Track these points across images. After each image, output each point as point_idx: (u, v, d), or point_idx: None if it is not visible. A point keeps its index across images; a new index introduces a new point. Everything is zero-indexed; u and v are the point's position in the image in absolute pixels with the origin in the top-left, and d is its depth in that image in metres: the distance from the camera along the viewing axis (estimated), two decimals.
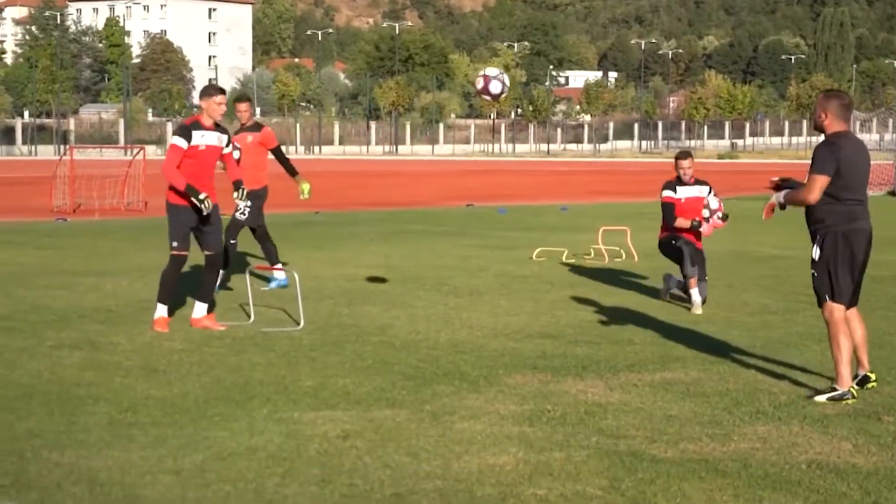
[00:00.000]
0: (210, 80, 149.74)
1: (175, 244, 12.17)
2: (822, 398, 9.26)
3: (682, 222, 14.37)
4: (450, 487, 6.93)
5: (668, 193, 14.53)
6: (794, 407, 9.00)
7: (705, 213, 14.41)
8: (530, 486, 6.95)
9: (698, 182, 14.70)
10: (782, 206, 9.66)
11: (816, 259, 9.47)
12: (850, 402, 9.17)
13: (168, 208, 12.23)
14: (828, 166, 9.25)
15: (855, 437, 8.13)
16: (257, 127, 15.40)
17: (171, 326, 12.21)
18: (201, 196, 11.91)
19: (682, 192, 14.56)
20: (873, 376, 9.70)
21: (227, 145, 12.45)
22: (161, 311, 12.20)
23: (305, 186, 14.82)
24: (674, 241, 14.39)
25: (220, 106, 12.32)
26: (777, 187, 9.92)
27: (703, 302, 13.96)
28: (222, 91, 12.50)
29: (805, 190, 9.44)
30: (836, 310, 9.41)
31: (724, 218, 14.55)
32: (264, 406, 8.89)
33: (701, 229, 14.44)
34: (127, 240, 22.45)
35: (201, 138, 12.18)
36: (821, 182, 9.30)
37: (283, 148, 15.92)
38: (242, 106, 15.28)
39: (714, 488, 6.95)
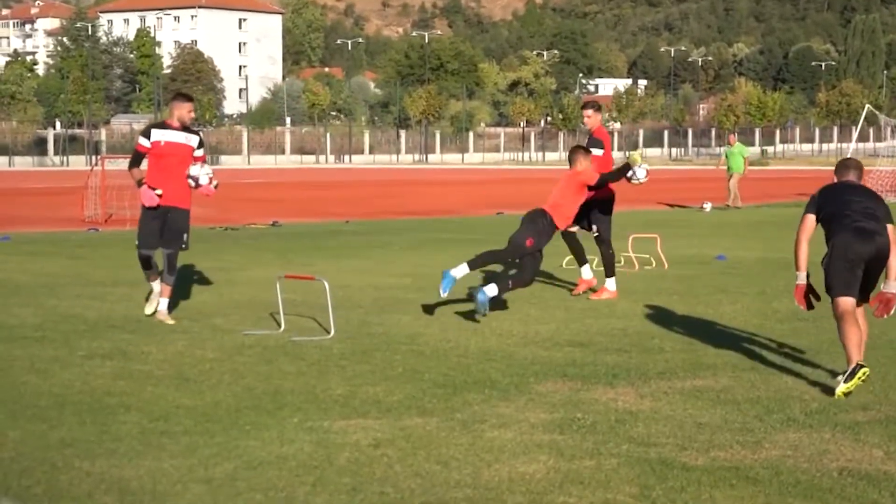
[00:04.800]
0: (241, 89, 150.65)
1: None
2: (840, 387, 9.48)
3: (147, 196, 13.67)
4: (480, 496, 6.92)
5: (140, 140, 13.67)
6: (826, 414, 8.97)
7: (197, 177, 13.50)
8: (560, 495, 6.94)
9: (189, 130, 13.60)
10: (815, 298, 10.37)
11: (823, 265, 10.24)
12: (865, 372, 9.48)
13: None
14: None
15: (887, 445, 8.10)
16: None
17: (202, 336, 12.26)
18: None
19: (161, 136, 13.55)
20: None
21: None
22: None
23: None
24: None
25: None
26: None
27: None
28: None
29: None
30: (839, 303, 9.94)
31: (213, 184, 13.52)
32: (295, 415, 8.91)
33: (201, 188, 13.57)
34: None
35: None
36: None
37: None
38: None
39: (745, 496, 6.93)
